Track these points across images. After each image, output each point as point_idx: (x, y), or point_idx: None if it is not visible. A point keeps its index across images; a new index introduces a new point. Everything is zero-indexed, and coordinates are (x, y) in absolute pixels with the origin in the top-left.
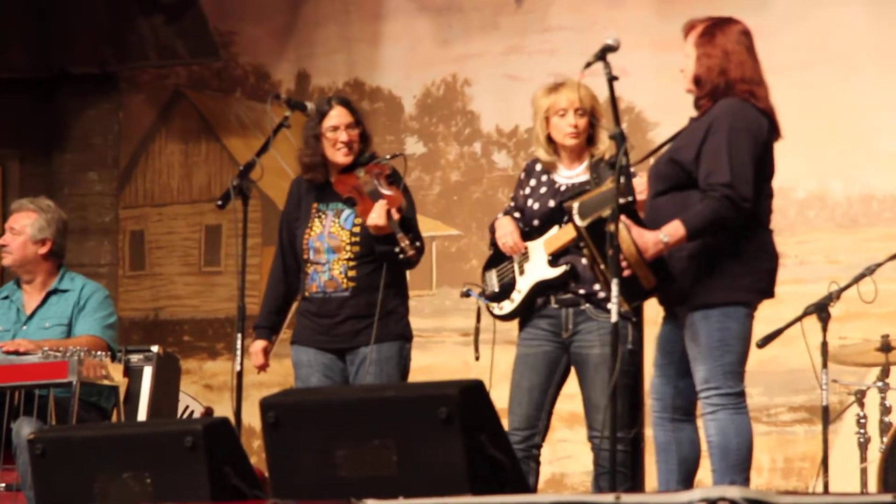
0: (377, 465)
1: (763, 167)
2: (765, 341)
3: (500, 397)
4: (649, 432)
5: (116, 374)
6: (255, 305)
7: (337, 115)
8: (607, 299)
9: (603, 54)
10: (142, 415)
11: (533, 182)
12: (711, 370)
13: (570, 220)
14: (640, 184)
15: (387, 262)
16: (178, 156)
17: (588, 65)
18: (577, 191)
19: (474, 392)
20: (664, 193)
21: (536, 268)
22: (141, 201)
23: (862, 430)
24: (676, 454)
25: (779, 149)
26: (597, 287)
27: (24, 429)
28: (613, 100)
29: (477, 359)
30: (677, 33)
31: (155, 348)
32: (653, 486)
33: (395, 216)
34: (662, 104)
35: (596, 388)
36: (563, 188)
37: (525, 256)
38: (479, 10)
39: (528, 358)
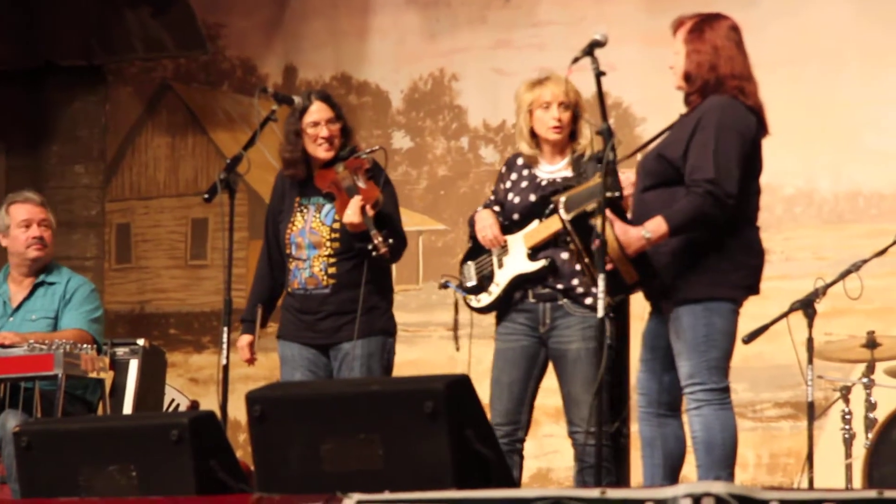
0: (363, 459)
1: (751, 165)
2: (750, 337)
3: (482, 392)
4: (634, 427)
5: (103, 366)
6: (241, 299)
7: (317, 111)
8: (585, 294)
9: (591, 49)
10: (127, 408)
11: (514, 176)
12: (696, 365)
13: (556, 213)
14: (626, 180)
15: (367, 258)
16: (164, 149)
17: (576, 60)
18: (563, 185)
19: (460, 386)
20: (652, 189)
21: (515, 261)
22: (127, 194)
23: (847, 427)
24: (662, 449)
25: (766, 145)
26: (575, 282)
27: (10, 421)
28: (601, 95)
29: (458, 349)
30: (665, 29)
31: (141, 341)
32: (638, 481)
33: (371, 212)
34: (650, 99)
35: (575, 383)
36: (543, 183)
37: (504, 250)
38: (467, 4)
39: (506, 353)
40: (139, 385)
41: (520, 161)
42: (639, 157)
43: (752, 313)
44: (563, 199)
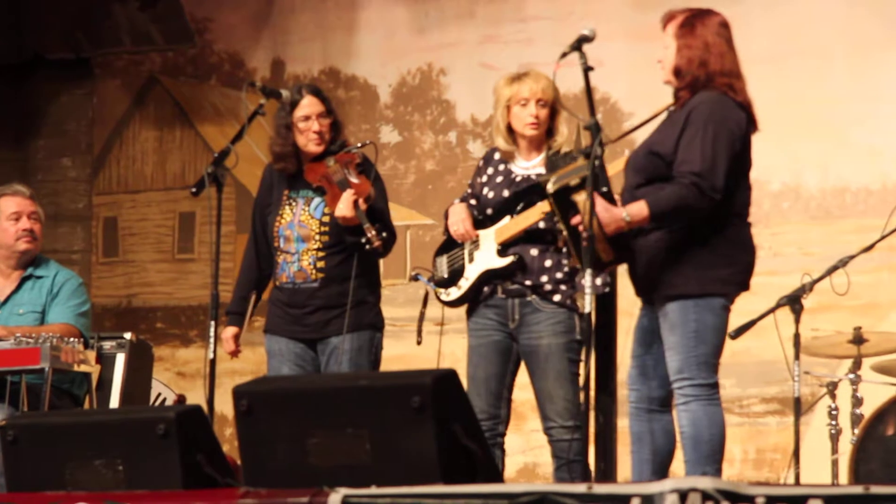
0: (350, 453)
1: (741, 161)
2: (737, 333)
3: None
4: (622, 423)
5: (89, 360)
6: (228, 293)
7: (308, 105)
8: (554, 291)
9: (579, 44)
10: (114, 402)
11: (490, 170)
12: (685, 361)
13: (544, 191)
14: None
15: (357, 252)
16: (152, 142)
17: (564, 55)
18: (537, 181)
19: (447, 381)
20: (643, 185)
21: (485, 256)
22: (114, 188)
23: (833, 422)
24: (650, 444)
25: (753, 140)
26: (544, 279)
27: None
28: (589, 90)
29: (419, 343)
30: (653, 24)
31: (128, 335)
32: (626, 477)
33: (363, 206)
34: (637, 95)
35: (548, 378)
36: (518, 178)
37: (476, 244)
38: None
39: (480, 349)
40: (126, 379)
41: (497, 156)
42: (627, 153)
43: (739, 309)
44: (553, 177)
